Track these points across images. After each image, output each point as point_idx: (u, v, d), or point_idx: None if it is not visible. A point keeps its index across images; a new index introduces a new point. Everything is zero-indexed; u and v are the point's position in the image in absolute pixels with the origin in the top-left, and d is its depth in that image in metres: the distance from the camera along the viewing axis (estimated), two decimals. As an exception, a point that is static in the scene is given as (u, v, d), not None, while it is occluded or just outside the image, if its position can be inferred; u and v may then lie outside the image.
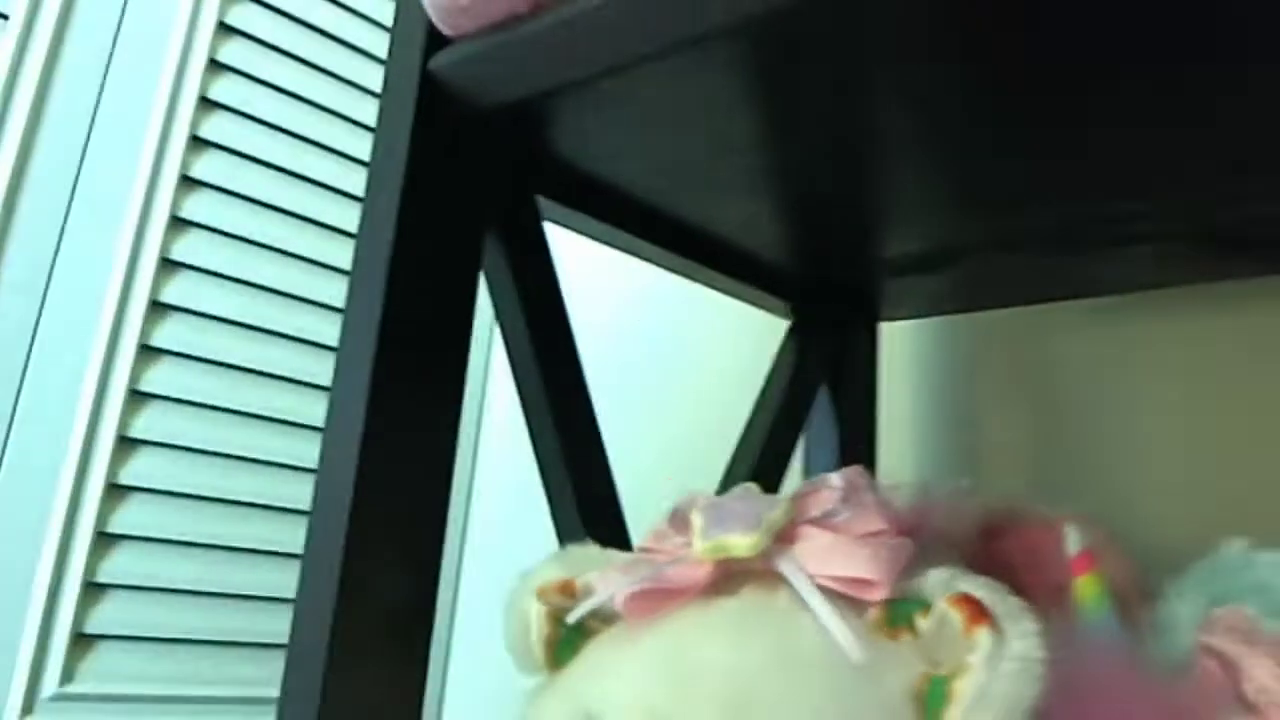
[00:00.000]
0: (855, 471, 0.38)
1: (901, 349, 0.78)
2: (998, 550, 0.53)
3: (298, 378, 1.10)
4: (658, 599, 0.34)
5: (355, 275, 0.48)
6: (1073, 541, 0.39)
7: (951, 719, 0.29)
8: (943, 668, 0.30)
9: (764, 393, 0.70)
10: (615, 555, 0.41)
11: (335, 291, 1.14)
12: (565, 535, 0.54)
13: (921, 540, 0.54)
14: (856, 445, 0.72)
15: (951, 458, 0.74)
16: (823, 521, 0.35)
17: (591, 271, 0.84)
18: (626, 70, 0.45)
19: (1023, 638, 0.29)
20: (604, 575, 0.37)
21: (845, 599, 0.33)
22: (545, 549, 0.42)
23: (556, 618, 0.37)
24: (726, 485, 0.65)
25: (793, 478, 0.68)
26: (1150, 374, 0.68)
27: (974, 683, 0.29)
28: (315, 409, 1.10)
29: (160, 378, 1.01)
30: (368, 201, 0.49)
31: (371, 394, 0.45)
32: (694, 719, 0.30)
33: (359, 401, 0.46)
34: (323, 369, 1.11)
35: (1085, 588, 0.38)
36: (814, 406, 0.73)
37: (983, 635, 0.29)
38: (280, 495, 1.07)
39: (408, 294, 0.47)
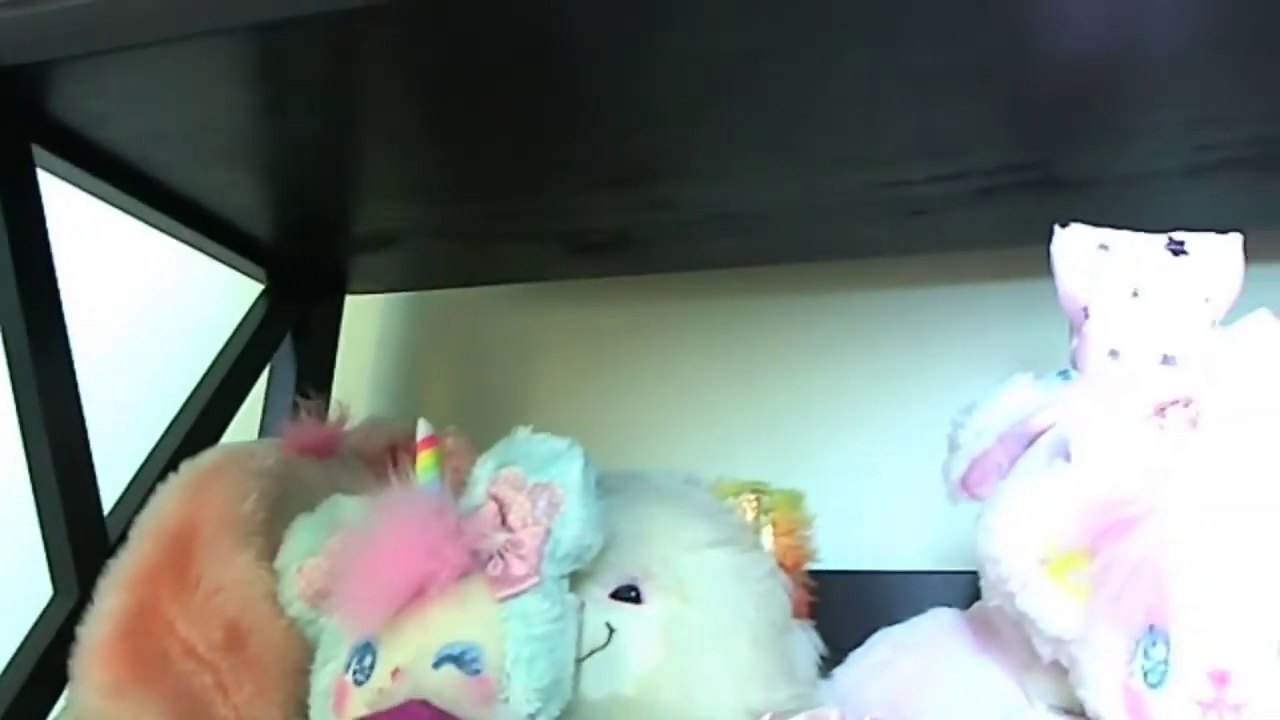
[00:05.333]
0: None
1: (362, 318, 0.94)
2: (400, 458, 0.70)
3: None
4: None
5: None
6: (420, 429, 0.57)
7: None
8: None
9: (228, 344, 0.82)
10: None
11: None
12: (40, 489, 0.63)
13: (341, 454, 0.70)
14: (314, 392, 0.86)
15: (395, 407, 0.91)
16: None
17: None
18: (111, 54, 0.56)
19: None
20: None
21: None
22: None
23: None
24: (176, 423, 0.76)
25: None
26: (550, 347, 0.90)
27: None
28: None
29: None
30: None
31: None
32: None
33: None
34: None
35: (423, 461, 0.56)
36: (278, 361, 0.86)
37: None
38: None
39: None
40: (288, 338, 0.86)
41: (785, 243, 0.81)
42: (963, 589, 0.60)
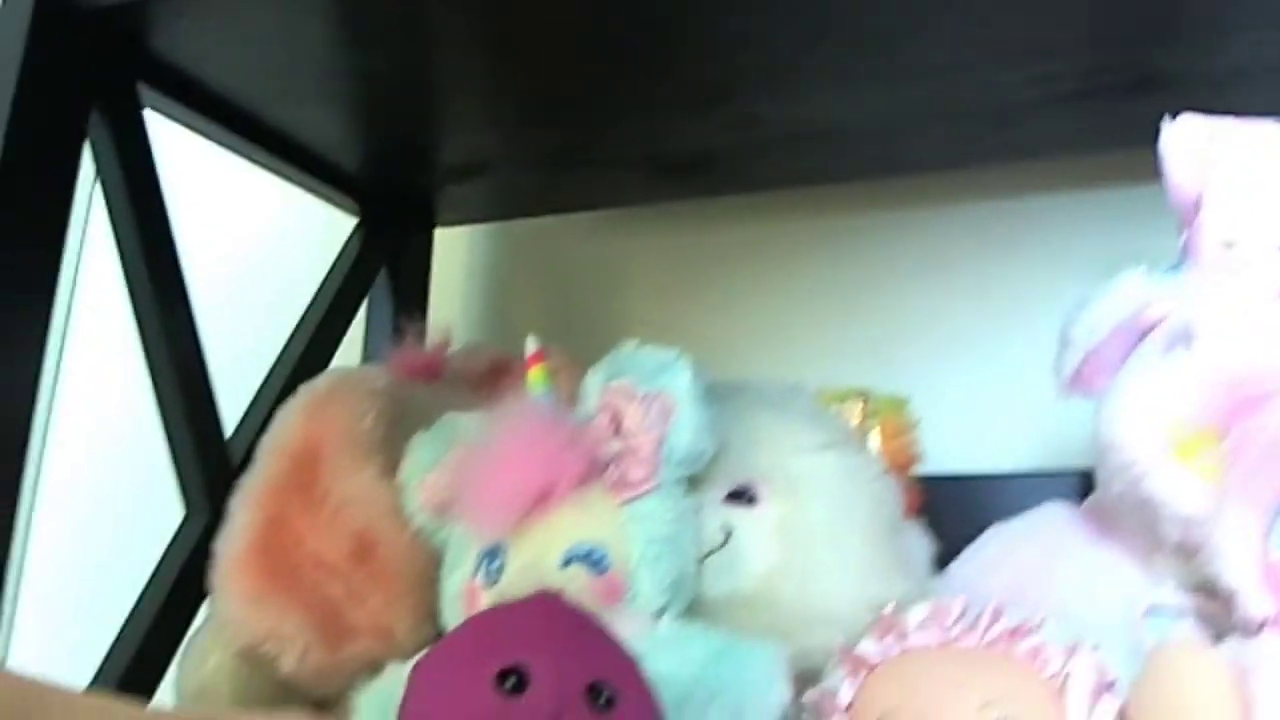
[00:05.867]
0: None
1: (451, 250, 0.95)
2: (501, 379, 0.72)
3: None
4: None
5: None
6: (529, 345, 0.58)
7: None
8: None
9: (326, 278, 0.84)
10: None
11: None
12: (168, 416, 0.65)
13: (446, 377, 0.72)
14: (411, 323, 0.88)
15: (487, 337, 0.93)
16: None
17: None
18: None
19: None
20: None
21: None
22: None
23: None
24: (286, 355, 0.79)
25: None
26: (637, 272, 0.91)
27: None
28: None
29: None
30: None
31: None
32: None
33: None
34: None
35: (533, 376, 0.57)
36: (375, 296, 0.88)
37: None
38: None
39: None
40: (383, 272, 0.88)
41: (871, 157, 0.80)
42: (1067, 488, 0.61)
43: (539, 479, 0.51)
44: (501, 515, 0.52)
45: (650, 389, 0.53)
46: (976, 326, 0.76)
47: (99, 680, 0.62)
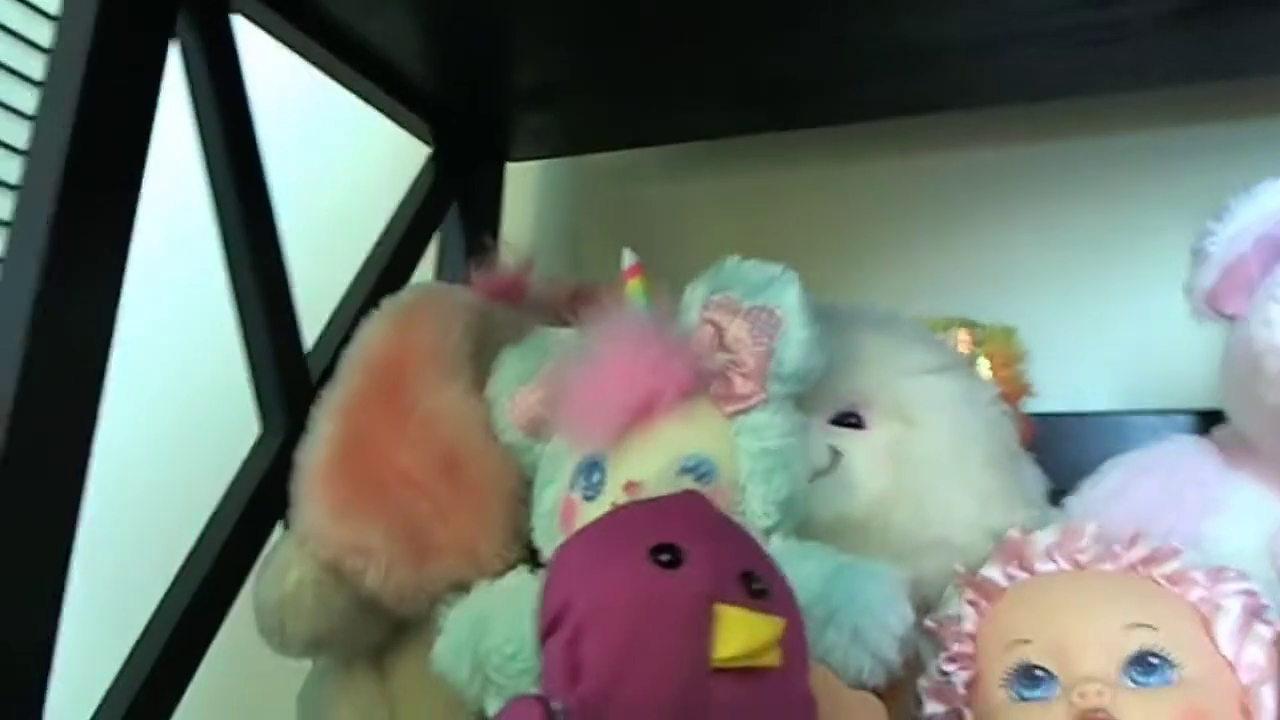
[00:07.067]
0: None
1: (523, 186, 0.93)
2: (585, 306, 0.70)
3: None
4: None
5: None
6: (626, 259, 0.56)
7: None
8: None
9: (400, 209, 0.82)
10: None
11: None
12: (250, 330, 0.64)
13: (528, 302, 0.70)
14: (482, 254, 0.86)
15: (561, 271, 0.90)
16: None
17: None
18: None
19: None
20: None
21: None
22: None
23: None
24: (362, 277, 0.77)
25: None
26: (712, 210, 0.88)
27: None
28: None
29: None
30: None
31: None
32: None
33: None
34: None
35: (632, 288, 0.55)
36: (447, 231, 0.86)
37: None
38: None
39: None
40: (455, 206, 0.86)
41: (963, 84, 0.76)
42: (1181, 428, 0.58)
43: (643, 388, 0.49)
44: (603, 426, 0.49)
45: (755, 302, 0.51)
46: (1084, 263, 0.73)
47: (169, 600, 0.61)
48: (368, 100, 0.79)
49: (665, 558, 0.33)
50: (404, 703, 0.56)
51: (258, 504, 0.63)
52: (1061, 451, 0.56)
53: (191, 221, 0.70)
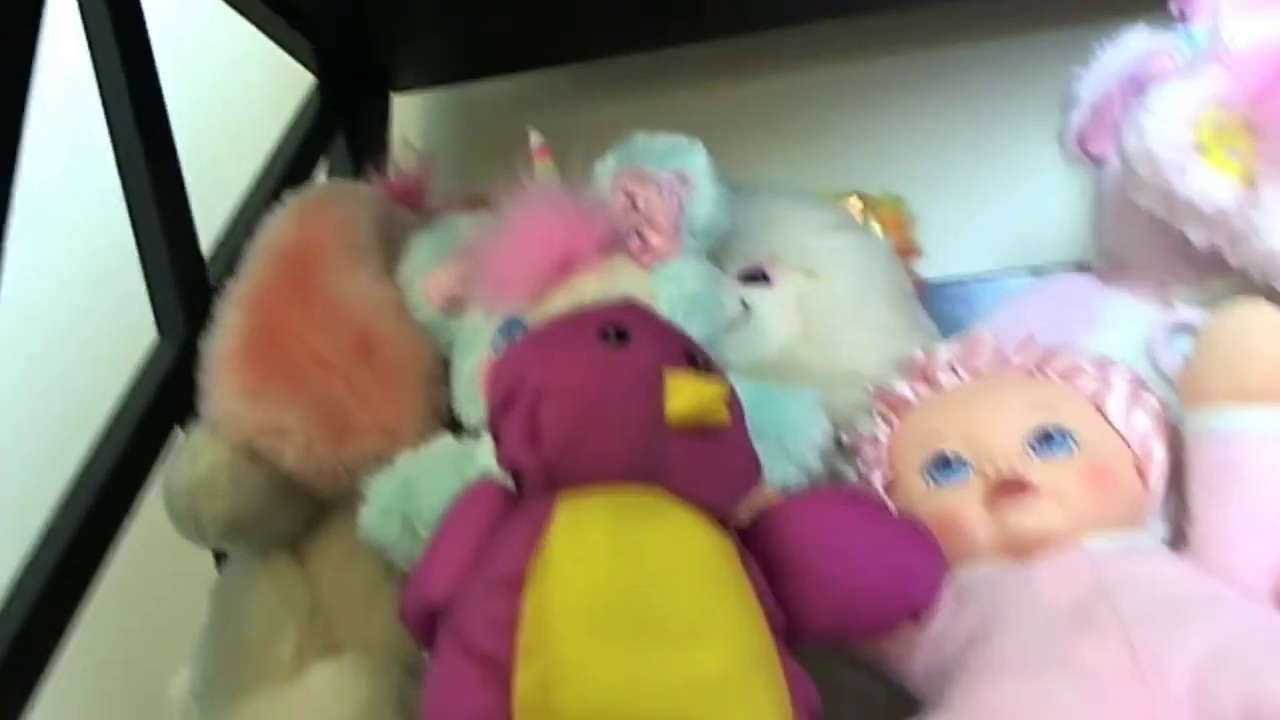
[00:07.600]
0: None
1: (412, 116, 0.93)
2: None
3: None
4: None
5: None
6: (533, 140, 0.57)
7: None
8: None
9: (283, 140, 0.80)
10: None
11: None
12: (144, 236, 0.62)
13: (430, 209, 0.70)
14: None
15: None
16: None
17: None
18: None
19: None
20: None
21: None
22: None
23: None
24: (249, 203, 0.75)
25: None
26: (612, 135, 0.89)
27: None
28: None
29: None
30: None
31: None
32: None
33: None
34: None
35: (543, 166, 0.56)
36: (334, 161, 0.85)
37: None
38: None
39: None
40: (340, 139, 0.85)
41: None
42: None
43: (562, 246, 0.50)
44: (524, 284, 0.50)
45: (665, 169, 0.53)
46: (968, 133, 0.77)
47: (67, 506, 0.58)
48: (250, 19, 0.77)
49: (614, 338, 0.34)
50: (325, 584, 0.55)
51: (156, 409, 0.61)
52: (946, 315, 0.60)
53: (92, 135, 0.67)
